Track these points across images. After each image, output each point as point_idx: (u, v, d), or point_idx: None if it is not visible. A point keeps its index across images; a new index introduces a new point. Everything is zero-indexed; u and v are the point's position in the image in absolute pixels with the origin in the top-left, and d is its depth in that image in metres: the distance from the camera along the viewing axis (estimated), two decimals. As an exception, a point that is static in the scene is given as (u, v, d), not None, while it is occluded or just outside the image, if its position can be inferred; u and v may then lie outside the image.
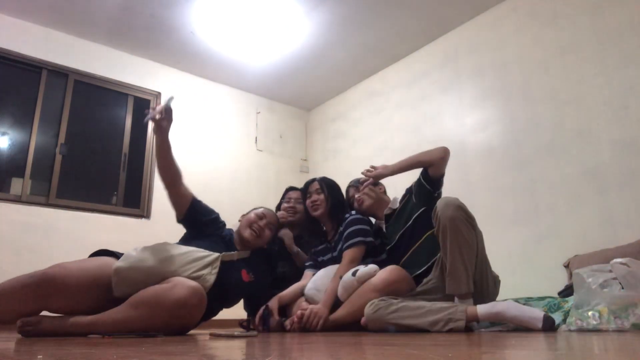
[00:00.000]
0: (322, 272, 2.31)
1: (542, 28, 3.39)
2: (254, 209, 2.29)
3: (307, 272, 2.49)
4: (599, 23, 3.05)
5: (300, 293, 2.35)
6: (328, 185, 2.53)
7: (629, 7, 2.92)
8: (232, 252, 2.00)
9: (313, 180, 2.58)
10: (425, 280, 2.03)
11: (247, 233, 2.11)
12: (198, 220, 2.10)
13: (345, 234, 2.30)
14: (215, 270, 1.83)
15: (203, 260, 1.84)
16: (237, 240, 2.15)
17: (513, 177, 3.38)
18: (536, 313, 1.63)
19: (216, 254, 1.89)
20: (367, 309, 1.89)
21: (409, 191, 2.31)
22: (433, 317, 1.73)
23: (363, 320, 1.93)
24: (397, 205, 2.33)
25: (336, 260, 2.38)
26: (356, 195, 2.45)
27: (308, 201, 2.50)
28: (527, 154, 3.32)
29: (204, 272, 1.80)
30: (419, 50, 4.38)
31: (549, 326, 1.61)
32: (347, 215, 2.40)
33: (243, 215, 2.29)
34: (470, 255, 1.81)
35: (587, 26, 3.12)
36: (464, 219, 1.81)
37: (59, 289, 1.57)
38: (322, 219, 2.50)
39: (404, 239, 2.21)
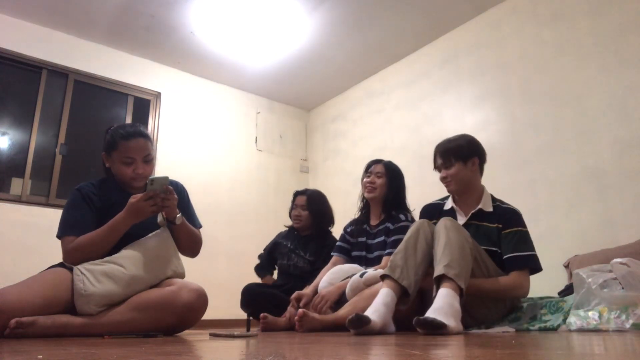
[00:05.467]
0: (337, 269, 2.32)
1: (542, 28, 3.39)
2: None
3: (334, 258, 2.50)
4: (599, 23, 3.05)
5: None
6: (392, 172, 2.45)
7: (629, 7, 2.92)
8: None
9: (379, 161, 2.51)
10: None
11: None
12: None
13: (395, 238, 2.25)
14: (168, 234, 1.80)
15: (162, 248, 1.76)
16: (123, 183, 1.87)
17: (513, 177, 3.37)
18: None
19: (158, 230, 1.78)
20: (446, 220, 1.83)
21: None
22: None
23: None
24: None
25: (367, 247, 2.39)
26: None
27: (366, 180, 2.45)
28: (527, 154, 3.32)
29: (175, 260, 1.78)
30: (419, 50, 4.38)
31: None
32: (402, 216, 2.33)
33: None
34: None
35: (587, 26, 3.12)
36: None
37: (9, 315, 1.42)
38: (372, 201, 2.46)
39: None
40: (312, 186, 5.39)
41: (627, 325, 1.61)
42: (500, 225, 1.97)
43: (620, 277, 1.72)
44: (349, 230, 2.55)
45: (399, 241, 2.21)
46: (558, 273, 2.87)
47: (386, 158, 2.61)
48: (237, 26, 4.01)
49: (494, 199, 2.08)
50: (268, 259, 3.03)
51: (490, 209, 2.02)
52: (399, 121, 4.46)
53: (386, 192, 2.41)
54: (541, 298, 2.18)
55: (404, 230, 2.24)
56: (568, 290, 2.27)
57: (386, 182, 2.42)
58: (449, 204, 2.13)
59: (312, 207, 2.87)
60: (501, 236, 1.95)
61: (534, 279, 1.96)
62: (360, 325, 1.53)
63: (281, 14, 3.86)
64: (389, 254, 2.22)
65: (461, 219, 2.04)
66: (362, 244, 2.44)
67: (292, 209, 2.95)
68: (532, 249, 1.93)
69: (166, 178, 1.67)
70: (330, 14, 3.88)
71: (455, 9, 3.82)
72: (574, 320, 1.74)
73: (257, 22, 3.95)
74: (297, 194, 2.97)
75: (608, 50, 2.98)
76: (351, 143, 5.00)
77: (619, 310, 1.65)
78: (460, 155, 2.03)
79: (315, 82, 5.06)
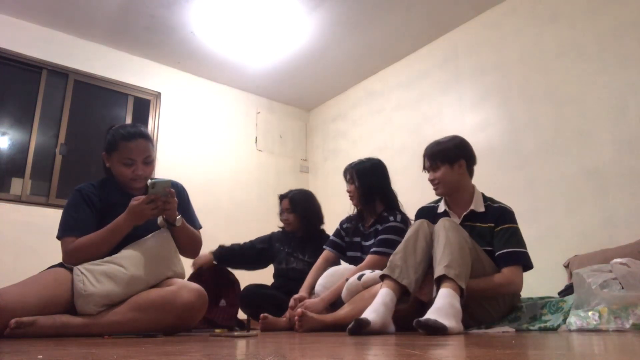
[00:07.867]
0: (332, 271, 2.32)
1: (542, 28, 3.39)
2: None
3: (325, 252, 2.49)
4: (599, 23, 3.05)
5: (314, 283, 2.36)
6: (360, 174, 2.41)
7: (629, 7, 2.92)
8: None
9: (349, 166, 2.48)
10: None
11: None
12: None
13: (381, 237, 2.26)
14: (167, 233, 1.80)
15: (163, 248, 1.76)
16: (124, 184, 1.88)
17: (513, 177, 3.38)
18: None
19: (158, 230, 1.79)
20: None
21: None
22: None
23: None
24: None
25: (362, 248, 2.39)
26: None
27: (347, 189, 2.47)
28: (527, 154, 3.32)
29: (175, 259, 1.79)
30: (419, 50, 4.38)
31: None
32: (391, 217, 2.31)
33: None
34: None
35: (587, 26, 3.12)
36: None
37: (9, 315, 1.43)
38: (358, 207, 2.46)
39: None
40: (312, 186, 5.39)
41: (627, 325, 1.61)
42: (493, 224, 1.97)
43: (620, 277, 1.72)
44: (344, 226, 2.52)
45: (385, 240, 2.23)
46: (558, 273, 2.87)
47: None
48: (237, 26, 4.01)
49: (485, 199, 2.08)
50: (253, 253, 2.88)
51: (482, 209, 2.03)
52: (398, 121, 4.46)
53: (362, 196, 2.39)
54: (541, 298, 2.18)
55: (392, 230, 2.26)
56: (568, 290, 2.27)
57: (358, 186, 2.39)
58: (442, 207, 2.14)
59: (297, 208, 2.81)
60: (493, 234, 1.96)
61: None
62: (360, 332, 1.53)
63: (281, 14, 3.86)
64: (374, 252, 2.23)
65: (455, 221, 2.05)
66: (357, 245, 2.43)
67: (280, 213, 2.90)
68: (524, 245, 1.94)
69: (168, 182, 1.67)
70: (330, 14, 3.88)
71: (455, 9, 3.82)
72: (574, 320, 1.74)
73: (257, 22, 3.95)
74: (281, 197, 2.92)
75: (607, 50, 2.98)
76: (351, 143, 5.00)
77: (619, 310, 1.65)
78: (446, 158, 2.04)
79: (315, 82, 5.06)
